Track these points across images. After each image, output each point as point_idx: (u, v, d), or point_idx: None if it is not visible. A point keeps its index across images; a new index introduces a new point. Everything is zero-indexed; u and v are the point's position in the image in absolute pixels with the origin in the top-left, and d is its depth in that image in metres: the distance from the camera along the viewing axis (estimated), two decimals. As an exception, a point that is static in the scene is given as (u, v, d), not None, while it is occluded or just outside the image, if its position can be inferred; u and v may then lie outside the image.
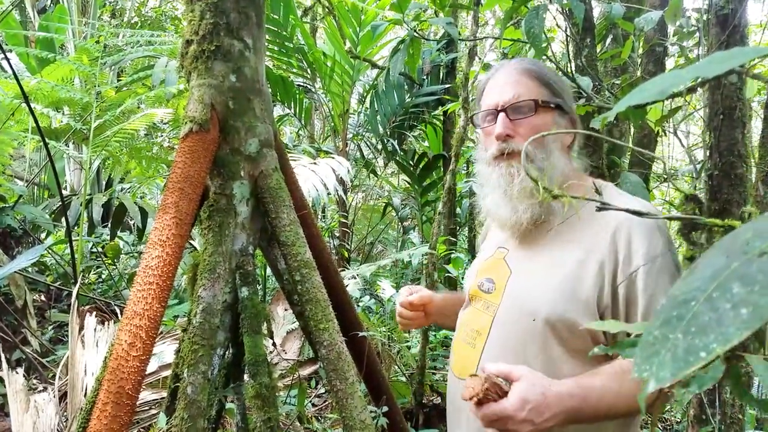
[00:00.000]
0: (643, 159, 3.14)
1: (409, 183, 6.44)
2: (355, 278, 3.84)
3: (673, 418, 3.89)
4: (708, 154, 1.91)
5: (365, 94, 6.37)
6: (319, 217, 6.31)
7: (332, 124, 5.88)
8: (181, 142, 1.33)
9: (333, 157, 4.31)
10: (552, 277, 1.23)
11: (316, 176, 3.83)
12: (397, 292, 3.82)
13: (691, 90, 1.80)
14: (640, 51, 3.57)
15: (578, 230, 1.25)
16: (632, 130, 3.53)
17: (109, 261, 4.84)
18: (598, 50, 3.10)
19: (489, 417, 1.02)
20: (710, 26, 1.88)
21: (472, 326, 1.37)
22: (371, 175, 6.74)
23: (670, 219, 1.12)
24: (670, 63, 3.74)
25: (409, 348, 3.08)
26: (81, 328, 2.58)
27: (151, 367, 2.33)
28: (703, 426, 1.90)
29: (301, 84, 5.84)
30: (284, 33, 5.03)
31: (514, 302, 1.28)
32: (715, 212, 1.86)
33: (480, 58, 5.74)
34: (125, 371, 1.21)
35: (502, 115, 1.31)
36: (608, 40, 3.50)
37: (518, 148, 1.27)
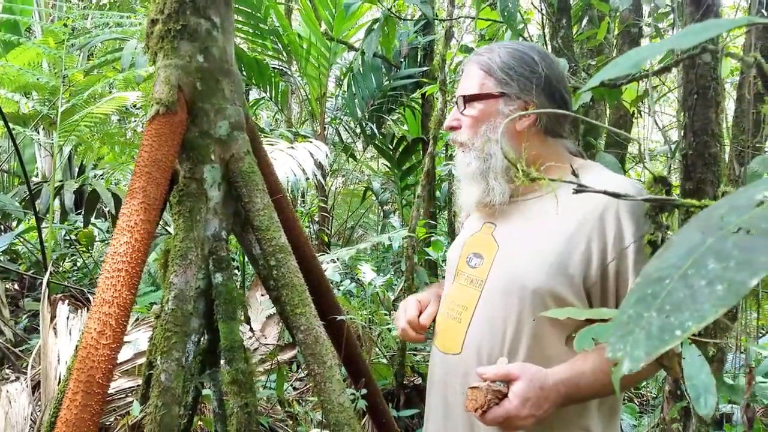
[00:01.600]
0: (619, 140, 3.16)
1: (388, 167, 6.42)
2: (334, 262, 3.82)
3: (649, 394, 3.97)
4: (682, 134, 1.92)
5: (342, 77, 6.31)
6: (299, 202, 6.26)
7: (309, 107, 5.81)
8: (147, 125, 1.29)
9: (311, 142, 4.26)
10: (540, 252, 1.25)
11: (294, 161, 3.77)
12: (378, 275, 3.82)
13: (665, 69, 1.80)
14: (616, 32, 3.57)
15: (567, 207, 1.25)
16: (608, 111, 3.55)
17: (83, 248, 4.75)
18: (574, 31, 3.09)
19: (495, 421, 1.10)
20: (684, 6, 1.88)
21: (457, 301, 1.37)
22: (350, 160, 6.70)
23: (647, 200, 1.12)
24: (645, 43, 3.75)
25: (390, 330, 3.08)
26: (53, 316, 2.53)
27: (126, 354, 2.30)
28: (678, 402, 1.94)
29: (277, 67, 5.75)
30: (258, 14, 4.93)
31: (503, 277, 1.29)
32: (689, 191, 1.87)
33: (457, 40, 5.70)
34: (95, 360, 1.18)
35: (455, 108, 1.41)
36: (584, 22, 3.50)
37: (459, 139, 1.39)
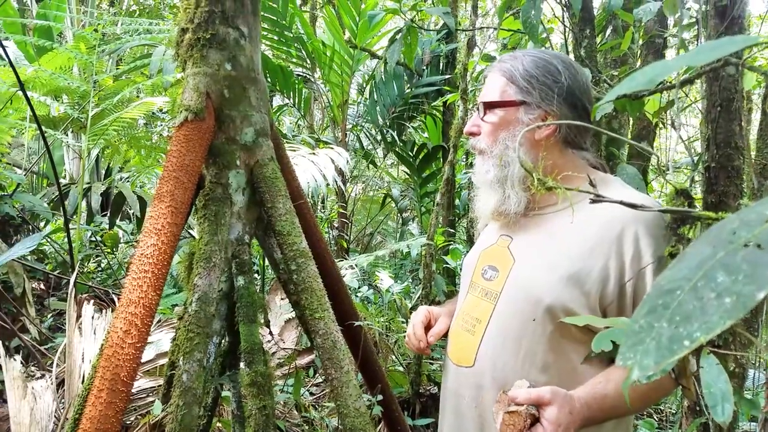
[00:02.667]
0: (642, 150, 3.14)
1: (408, 174, 6.43)
2: (353, 268, 3.85)
3: (668, 410, 3.91)
4: (705, 146, 1.91)
5: (364, 84, 6.35)
6: (319, 207, 6.31)
7: (331, 114, 5.86)
8: (176, 131, 1.33)
9: (332, 148, 4.31)
10: (557, 267, 1.24)
11: (315, 167, 3.82)
12: (395, 282, 3.84)
13: (687, 82, 1.80)
14: (640, 42, 3.55)
15: (584, 223, 1.25)
16: (631, 122, 3.53)
17: (108, 250, 4.85)
18: (597, 41, 3.09)
19: None
20: (709, 18, 1.87)
21: (471, 313, 1.37)
22: (370, 166, 6.74)
23: (665, 212, 1.12)
24: (670, 54, 3.72)
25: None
26: (78, 316, 2.59)
27: (148, 354, 2.34)
28: (697, 417, 1.91)
29: (301, 74, 5.82)
30: (283, 22, 5.01)
31: (518, 290, 1.29)
32: (711, 204, 1.86)
33: (480, 49, 5.71)
34: (120, 358, 1.21)
35: (476, 113, 1.40)
36: (608, 31, 3.48)
37: (478, 145, 1.39)
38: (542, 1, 2.18)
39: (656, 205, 1.18)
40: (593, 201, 0.85)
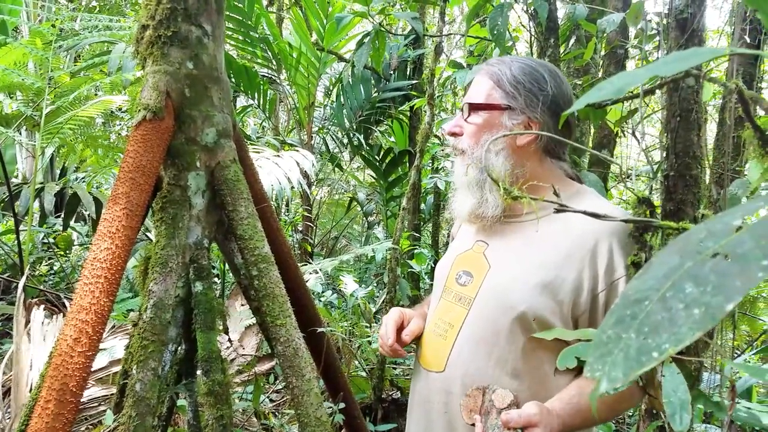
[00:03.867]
0: (602, 159, 3.20)
1: (374, 178, 6.43)
2: (317, 273, 3.81)
3: (625, 413, 3.99)
4: (664, 155, 1.95)
5: (331, 87, 6.32)
6: (283, 210, 6.24)
7: (297, 116, 5.81)
8: (133, 131, 1.28)
9: (297, 150, 4.25)
10: (532, 275, 1.24)
11: (280, 169, 3.77)
12: (360, 286, 3.81)
13: (649, 92, 1.83)
14: (602, 53, 3.63)
15: (561, 233, 1.27)
16: (592, 130, 3.60)
17: (61, 252, 4.67)
18: (561, 51, 3.14)
19: None
20: (670, 30, 1.91)
21: (444, 318, 1.36)
22: (336, 170, 6.70)
23: (627, 221, 1.13)
24: (631, 65, 3.82)
25: (370, 343, 3.06)
26: (27, 321, 2.48)
27: (101, 362, 2.26)
28: (654, 420, 1.95)
29: (266, 75, 5.74)
30: (249, 22, 4.94)
31: (492, 297, 1.29)
32: (670, 212, 1.90)
33: (447, 55, 5.75)
34: (69, 368, 1.16)
35: (458, 113, 1.40)
36: (572, 41, 3.55)
37: (460, 146, 1.38)
38: (509, 10, 2.20)
39: (622, 215, 1.19)
40: (557, 210, 0.85)
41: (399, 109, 5.77)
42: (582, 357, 0.89)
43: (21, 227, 3.53)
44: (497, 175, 1.29)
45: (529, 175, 1.30)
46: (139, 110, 1.29)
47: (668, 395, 0.90)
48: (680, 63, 0.54)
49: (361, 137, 5.77)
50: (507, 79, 1.32)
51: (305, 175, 4.75)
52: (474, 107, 1.35)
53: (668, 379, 0.89)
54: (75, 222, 4.94)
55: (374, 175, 6.31)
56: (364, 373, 3.18)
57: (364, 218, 7.16)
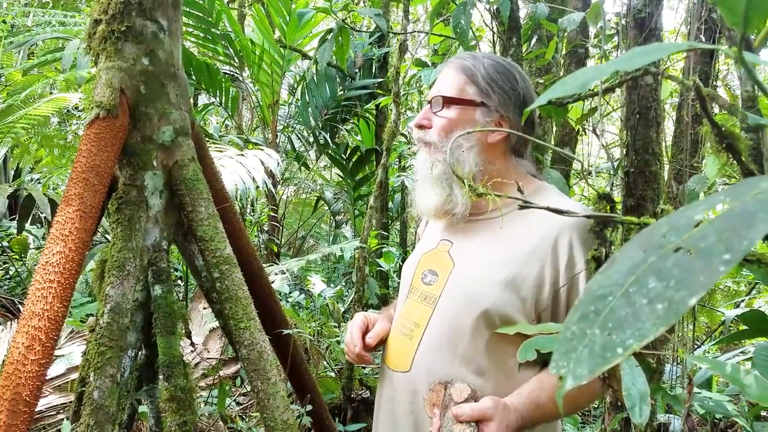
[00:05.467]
0: (564, 156, 3.25)
1: (341, 177, 6.39)
2: (283, 273, 3.76)
3: (590, 405, 4.06)
4: (625, 152, 1.98)
5: (296, 84, 6.25)
6: (248, 210, 6.15)
7: (261, 114, 5.73)
8: (86, 129, 1.23)
9: (262, 149, 4.19)
10: (495, 272, 1.25)
11: (244, 168, 3.70)
12: (328, 286, 3.78)
13: (609, 90, 1.86)
14: (564, 52, 3.68)
15: (522, 229, 1.27)
16: (554, 128, 3.65)
17: (16, 256, 4.50)
18: (523, 50, 3.17)
19: None
20: (629, 29, 1.95)
21: (410, 318, 1.35)
22: (303, 168, 6.64)
23: (590, 217, 1.14)
24: (591, 64, 3.89)
25: (338, 343, 3.04)
26: (-21, 329, 2.38)
27: (59, 369, 2.18)
28: (618, 412, 1.98)
29: (228, 72, 5.64)
30: (209, 18, 4.84)
31: (457, 294, 1.29)
32: (630, 208, 1.93)
33: (411, 54, 5.76)
34: (22, 376, 1.11)
35: (426, 106, 1.37)
36: (533, 41, 3.59)
37: (428, 139, 1.34)
38: (471, 8, 2.20)
39: (583, 211, 1.20)
40: (521, 207, 0.85)
41: (365, 107, 5.75)
42: (542, 350, 0.89)
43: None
44: (467, 170, 1.29)
45: (496, 173, 1.31)
46: (92, 108, 1.24)
47: (628, 388, 0.91)
48: (643, 57, 0.54)
49: (327, 136, 5.73)
50: (482, 76, 1.31)
51: (270, 174, 4.69)
52: (448, 101, 1.32)
53: (627, 372, 0.90)
54: (31, 224, 4.76)
55: (341, 173, 6.28)
56: (333, 374, 3.16)
57: (332, 217, 7.12)
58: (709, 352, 3.99)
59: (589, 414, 3.95)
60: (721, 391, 2.46)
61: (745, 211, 0.44)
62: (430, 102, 1.36)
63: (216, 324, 2.88)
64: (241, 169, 3.66)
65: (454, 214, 1.33)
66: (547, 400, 1.17)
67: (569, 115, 2.56)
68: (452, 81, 1.34)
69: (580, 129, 3.48)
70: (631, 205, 1.95)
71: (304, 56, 5.78)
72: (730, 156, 0.81)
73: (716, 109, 1.98)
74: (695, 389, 2.54)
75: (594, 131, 2.37)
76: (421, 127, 1.36)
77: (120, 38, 1.30)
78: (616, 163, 2.36)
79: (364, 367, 3.52)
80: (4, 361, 1.22)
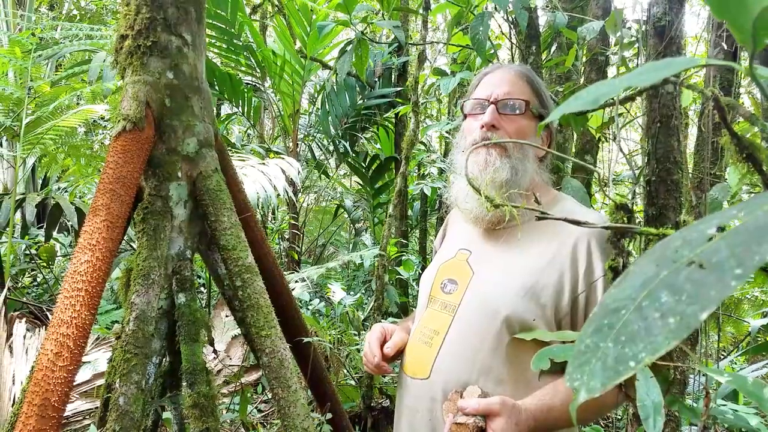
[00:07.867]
0: (585, 164, 3.23)
1: (361, 185, 6.42)
2: (304, 281, 3.79)
3: (613, 416, 4.01)
4: (646, 160, 1.97)
5: (316, 94, 6.32)
6: (269, 218, 6.21)
7: (282, 124, 5.79)
8: (113, 141, 1.26)
9: (283, 158, 4.24)
10: (514, 280, 1.26)
11: (265, 177, 3.75)
12: (348, 294, 3.79)
13: (629, 99, 1.86)
14: (584, 59, 3.67)
15: (541, 238, 1.29)
16: (575, 136, 3.63)
17: (44, 264, 4.61)
18: (543, 58, 3.17)
19: None
20: (649, 37, 1.94)
21: (429, 326, 1.36)
22: (323, 177, 6.69)
23: (607, 228, 1.14)
24: (612, 71, 3.86)
25: (358, 351, 3.05)
26: (9, 335, 2.44)
27: (85, 375, 2.23)
28: (641, 424, 1.95)
29: (250, 82, 5.72)
30: (232, 30, 4.92)
31: (476, 302, 1.29)
32: (652, 217, 1.92)
33: (430, 62, 5.78)
34: (51, 382, 1.14)
35: (492, 107, 1.35)
36: (553, 48, 3.58)
37: (500, 141, 1.33)
38: (490, 18, 2.21)
39: (601, 221, 1.20)
40: (539, 218, 0.86)
41: (384, 116, 5.78)
42: (556, 359, 0.89)
43: (2, 239, 3.48)
44: (528, 180, 1.31)
45: (534, 183, 1.35)
46: (119, 121, 1.28)
47: (642, 399, 0.91)
48: (655, 73, 0.55)
49: (347, 144, 5.77)
50: (543, 91, 1.36)
51: (291, 182, 4.73)
52: (526, 106, 1.33)
53: (642, 384, 0.90)
54: (58, 233, 4.88)
55: (361, 182, 6.31)
56: (353, 382, 3.17)
57: (352, 225, 7.15)
58: (735, 363, 3.91)
59: (613, 425, 3.89)
60: (747, 403, 2.41)
61: (757, 227, 0.44)
62: (495, 103, 1.34)
63: (238, 331, 2.91)
64: (262, 177, 3.71)
65: (483, 220, 1.34)
66: (561, 404, 1.16)
67: (589, 123, 2.55)
68: (522, 88, 1.35)
69: (602, 137, 3.46)
70: (652, 214, 1.93)
71: (325, 66, 5.84)
72: (751, 166, 0.81)
73: (739, 118, 1.95)
74: (721, 401, 2.49)
75: (614, 140, 2.36)
76: (493, 127, 1.34)
77: (146, 53, 1.34)
78: (637, 172, 2.34)
79: (384, 376, 3.52)
80: (33, 367, 1.26)
